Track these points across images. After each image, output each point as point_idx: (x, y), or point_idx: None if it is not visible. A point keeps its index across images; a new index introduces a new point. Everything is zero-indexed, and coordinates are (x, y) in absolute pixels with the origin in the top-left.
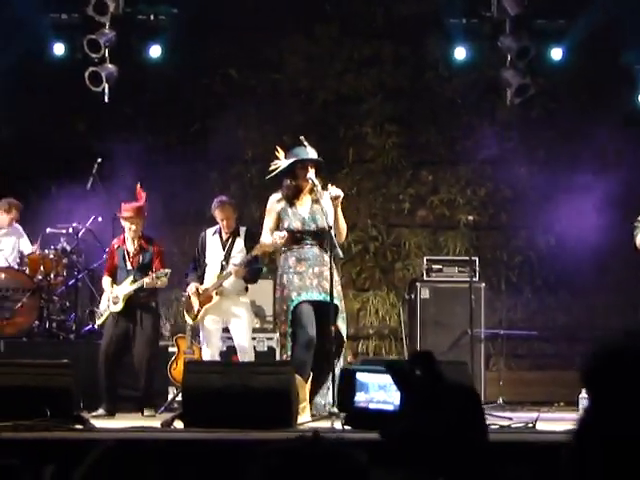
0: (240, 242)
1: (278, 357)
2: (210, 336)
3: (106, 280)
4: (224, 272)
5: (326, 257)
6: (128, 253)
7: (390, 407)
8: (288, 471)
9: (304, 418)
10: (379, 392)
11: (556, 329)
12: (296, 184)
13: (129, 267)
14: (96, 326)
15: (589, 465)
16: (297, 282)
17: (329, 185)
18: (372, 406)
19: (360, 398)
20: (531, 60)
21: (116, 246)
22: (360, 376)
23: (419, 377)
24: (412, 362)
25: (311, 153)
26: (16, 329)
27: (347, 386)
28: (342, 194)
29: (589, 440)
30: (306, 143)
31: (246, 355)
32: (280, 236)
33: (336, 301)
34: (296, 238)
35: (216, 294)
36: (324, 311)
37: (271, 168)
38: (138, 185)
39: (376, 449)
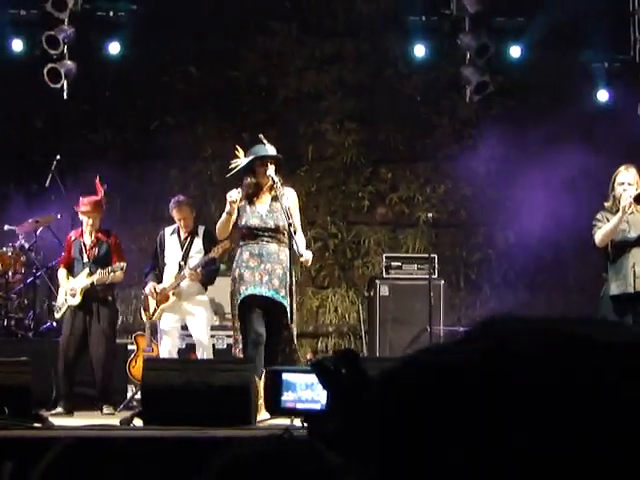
0: (199, 242)
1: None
2: (168, 334)
3: (62, 272)
4: (180, 273)
5: (282, 255)
6: (85, 245)
7: (317, 406)
8: (258, 471)
9: (262, 416)
10: (306, 391)
11: None
12: (256, 181)
13: (85, 259)
14: (56, 318)
15: None
16: (247, 277)
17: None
18: (299, 406)
19: (288, 398)
20: (490, 58)
21: (73, 238)
22: (286, 376)
23: (344, 375)
24: (337, 360)
25: (270, 150)
26: None
27: (273, 386)
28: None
29: None
30: (265, 141)
31: (205, 352)
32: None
33: (286, 300)
34: (253, 235)
35: (173, 294)
36: (274, 309)
37: (231, 167)
38: (97, 179)
39: None
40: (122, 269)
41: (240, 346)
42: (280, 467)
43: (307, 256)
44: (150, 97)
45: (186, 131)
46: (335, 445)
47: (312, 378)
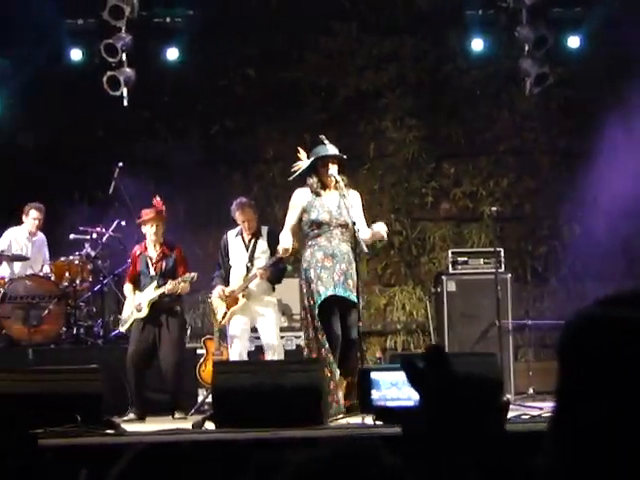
0: (263, 243)
1: (307, 353)
2: (237, 337)
3: (127, 287)
4: (249, 274)
5: (351, 255)
6: (150, 259)
7: (410, 402)
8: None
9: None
10: (391, 389)
11: None
12: (319, 181)
13: (152, 273)
14: (121, 331)
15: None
16: (325, 277)
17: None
18: (390, 404)
19: (374, 396)
20: (549, 49)
21: (138, 252)
22: (373, 375)
23: (431, 372)
24: (424, 357)
25: (331, 150)
26: (44, 336)
27: (363, 385)
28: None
29: (562, 426)
30: (326, 141)
31: (275, 354)
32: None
33: (358, 300)
34: (323, 230)
35: (242, 296)
36: (349, 309)
37: (293, 169)
38: (157, 198)
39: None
40: (192, 279)
41: (325, 345)
42: (342, 470)
43: (378, 228)
44: (210, 101)
45: (247, 134)
46: (427, 442)
47: (396, 376)
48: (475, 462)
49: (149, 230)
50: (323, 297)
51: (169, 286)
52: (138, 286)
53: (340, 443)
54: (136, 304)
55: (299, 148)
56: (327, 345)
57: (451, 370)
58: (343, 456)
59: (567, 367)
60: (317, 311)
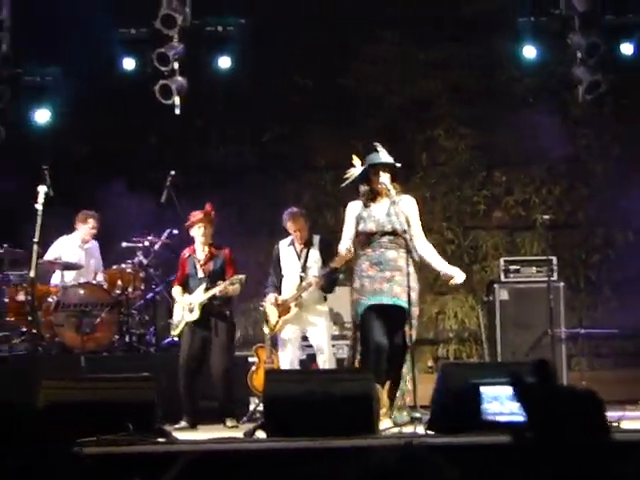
0: (315, 252)
1: (347, 362)
2: (289, 345)
3: (176, 290)
4: (303, 283)
5: (401, 261)
6: (199, 261)
7: (517, 418)
8: None
9: (385, 424)
10: (492, 403)
11: (638, 327)
12: (371, 189)
13: (200, 275)
14: (174, 337)
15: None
16: (368, 286)
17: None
18: (499, 418)
19: (487, 409)
20: (601, 56)
21: (187, 255)
22: (484, 389)
23: (539, 388)
24: (532, 372)
25: (384, 158)
26: (96, 344)
27: (472, 399)
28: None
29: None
30: (380, 148)
31: (326, 362)
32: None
33: (406, 306)
34: (371, 240)
35: (295, 305)
36: (396, 316)
37: (345, 176)
38: (208, 206)
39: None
40: (241, 282)
41: (353, 355)
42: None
43: (460, 276)
44: (262, 109)
45: (299, 142)
46: (535, 455)
47: (498, 390)
48: (581, 473)
49: (197, 232)
50: (363, 307)
51: (220, 287)
52: (187, 289)
53: (397, 452)
54: (187, 305)
55: (353, 156)
56: (359, 358)
57: (556, 384)
58: (403, 465)
59: None
60: (359, 321)
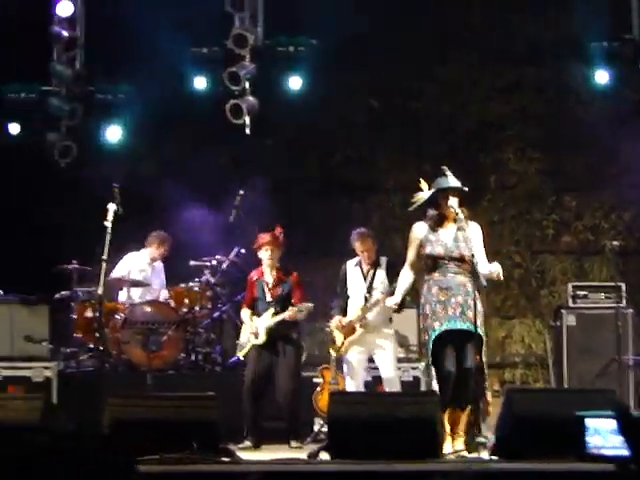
0: (382, 273)
1: (423, 387)
2: (354, 367)
3: (245, 312)
4: (369, 302)
5: (469, 286)
6: (267, 284)
7: (624, 452)
8: None
9: (445, 449)
10: (594, 437)
11: None
12: (439, 213)
13: (269, 299)
14: (240, 357)
15: None
16: (440, 312)
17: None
18: (604, 451)
19: (592, 442)
20: None
21: (255, 278)
22: (589, 421)
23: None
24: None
25: (452, 182)
26: (163, 362)
27: (578, 430)
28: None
29: None
30: (448, 172)
31: (392, 386)
32: (391, 304)
33: (480, 331)
34: (438, 265)
35: (360, 327)
36: (469, 341)
37: (412, 200)
38: (278, 228)
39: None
40: (308, 310)
41: (433, 382)
42: None
43: (495, 268)
44: (331, 131)
45: (367, 164)
46: None
47: (601, 423)
48: None
49: (264, 254)
50: (437, 332)
51: (289, 312)
52: (256, 311)
53: (464, 476)
54: (253, 330)
55: (420, 179)
56: (434, 382)
57: None
58: None
59: None
60: (431, 346)
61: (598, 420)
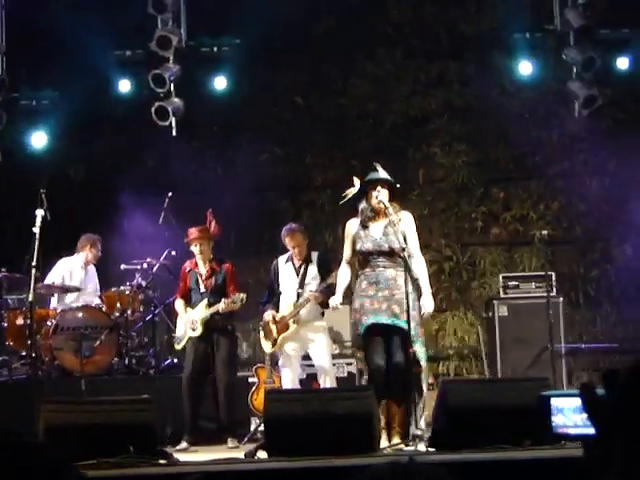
0: (313, 268)
1: (358, 382)
2: (290, 361)
3: (179, 303)
4: (300, 300)
5: (400, 280)
6: (200, 276)
7: (591, 431)
8: None
9: (384, 443)
10: (557, 416)
11: (638, 341)
12: (369, 206)
13: (202, 290)
14: (177, 349)
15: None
16: (367, 306)
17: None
18: (571, 431)
19: (558, 422)
20: (597, 71)
21: (188, 269)
22: (555, 401)
23: (607, 399)
24: (604, 383)
25: (382, 175)
26: (96, 367)
27: (542, 411)
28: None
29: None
30: (379, 168)
31: (328, 377)
32: (334, 305)
33: (401, 324)
34: (368, 260)
35: (293, 322)
36: (396, 335)
37: (343, 194)
38: (209, 212)
39: (462, 471)
40: (242, 301)
41: (364, 376)
42: None
43: (428, 308)
44: (258, 129)
45: (295, 161)
46: (606, 467)
47: (563, 402)
48: None
49: (195, 249)
50: (365, 326)
51: (222, 305)
52: (189, 303)
53: (401, 465)
54: (190, 322)
55: (354, 177)
56: (366, 376)
57: (627, 395)
58: (409, 477)
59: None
60: (360, 341)
61: (562, 399)
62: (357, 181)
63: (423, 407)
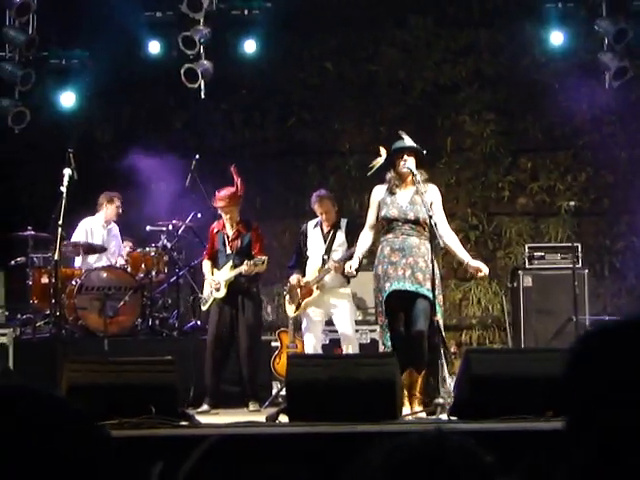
0: (341, 235)
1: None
2: (312, 326)
3: (206, 264)
4: (325, 267)
5: (423, 248)
6: (227, 237)
7: None
8: (414, 468)
9: (405, 410)
10: None
11: None
12: (397, 174)
13: (228, 251)
14: (203, 310)
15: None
16: (391, 272)
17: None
18: None
19: None
20: (629, 42)
21: (215, 230)
22: None
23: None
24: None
25: (409, 143)
26: (119, 327)
27: None
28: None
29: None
30: (405, 136)
31: (350, 344)
32: (349, 270)
33: (426, 292)
34: (393, 226)
35: (317, 288)
36: (419, 302)
37: (370, 165)
38: (233, 167)
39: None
40: (264, 262)
41: (388, 343)
42: (442, 466)
43: (483, 269)
44: (287, 94)
45: (323, 127)
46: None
47: None
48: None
49: (223, 214)
50: (388, 292)
51: (244, 267)
52: (216, 264)
53: (432, 434)
54: (215, 284)
55: (380, 147)
56: (389, 343)
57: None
58: (439, 448)
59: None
60: (384, 307)
61: None
62: (383, 151)
63: (444, 376)
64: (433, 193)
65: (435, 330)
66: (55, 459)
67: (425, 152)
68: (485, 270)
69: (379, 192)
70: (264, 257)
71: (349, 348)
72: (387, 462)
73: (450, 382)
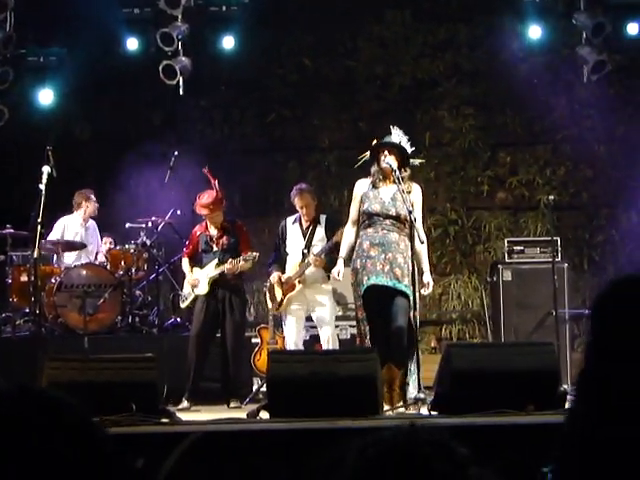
0: (321, 230)
1: (358, 343)
2: (294, 323)
3: (185, 262)
4: (305, 261)
5: (403, 244)
6: (211, 237)
7: None
8: (386, 462)
9: (386, 406)
10: None
11: None
12: (380, 169)
13: (215, 249)
14: (181, 307)
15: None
16: (369, 266)
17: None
18: None
19: None
20: (607, 36)
21: (198, 233)
22: None
23: None
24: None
25: (393, 139)
26: (99, 325)
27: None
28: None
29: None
30: (394, 131)
31: (330, 341)
32: (334, 275)
33: (404, 288)
34: (374, 221)
35: (299, 282)
36: (397, 298)
37: (359, 157)
38: (206, 170)
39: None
40: (254, 259)
41: (367, 337)
42: (413, 459)
43: (429, 287)
44: (265, 90)
45: (302, 123)
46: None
47: None
48: None
49: (208, 221)
50: (365, 286)
51: (228, 265)
52: (197, 263)
53: (405, 429)
54: (192, 280)
55: (374, 140)
56: (368, 337)
57: None
58: (411, 441)
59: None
60: (361, 302)
61: None
62: (375, 143)
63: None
64: (416, 193)
65: (412, 326)
66: (55, 459)
67: (404, 148)
68: (426, 292)
69: (362, 185)
70: (255, 253)
71: (329, 343)
72: (360, 457)
73: (413, 390)
